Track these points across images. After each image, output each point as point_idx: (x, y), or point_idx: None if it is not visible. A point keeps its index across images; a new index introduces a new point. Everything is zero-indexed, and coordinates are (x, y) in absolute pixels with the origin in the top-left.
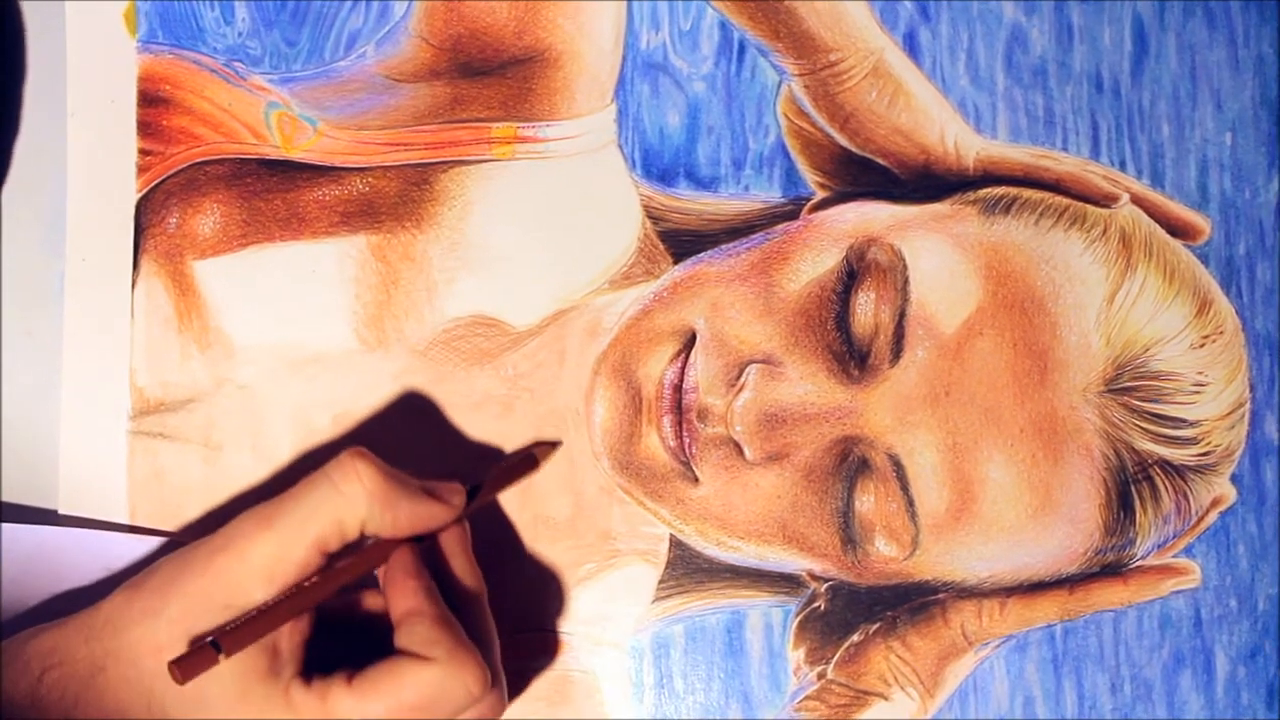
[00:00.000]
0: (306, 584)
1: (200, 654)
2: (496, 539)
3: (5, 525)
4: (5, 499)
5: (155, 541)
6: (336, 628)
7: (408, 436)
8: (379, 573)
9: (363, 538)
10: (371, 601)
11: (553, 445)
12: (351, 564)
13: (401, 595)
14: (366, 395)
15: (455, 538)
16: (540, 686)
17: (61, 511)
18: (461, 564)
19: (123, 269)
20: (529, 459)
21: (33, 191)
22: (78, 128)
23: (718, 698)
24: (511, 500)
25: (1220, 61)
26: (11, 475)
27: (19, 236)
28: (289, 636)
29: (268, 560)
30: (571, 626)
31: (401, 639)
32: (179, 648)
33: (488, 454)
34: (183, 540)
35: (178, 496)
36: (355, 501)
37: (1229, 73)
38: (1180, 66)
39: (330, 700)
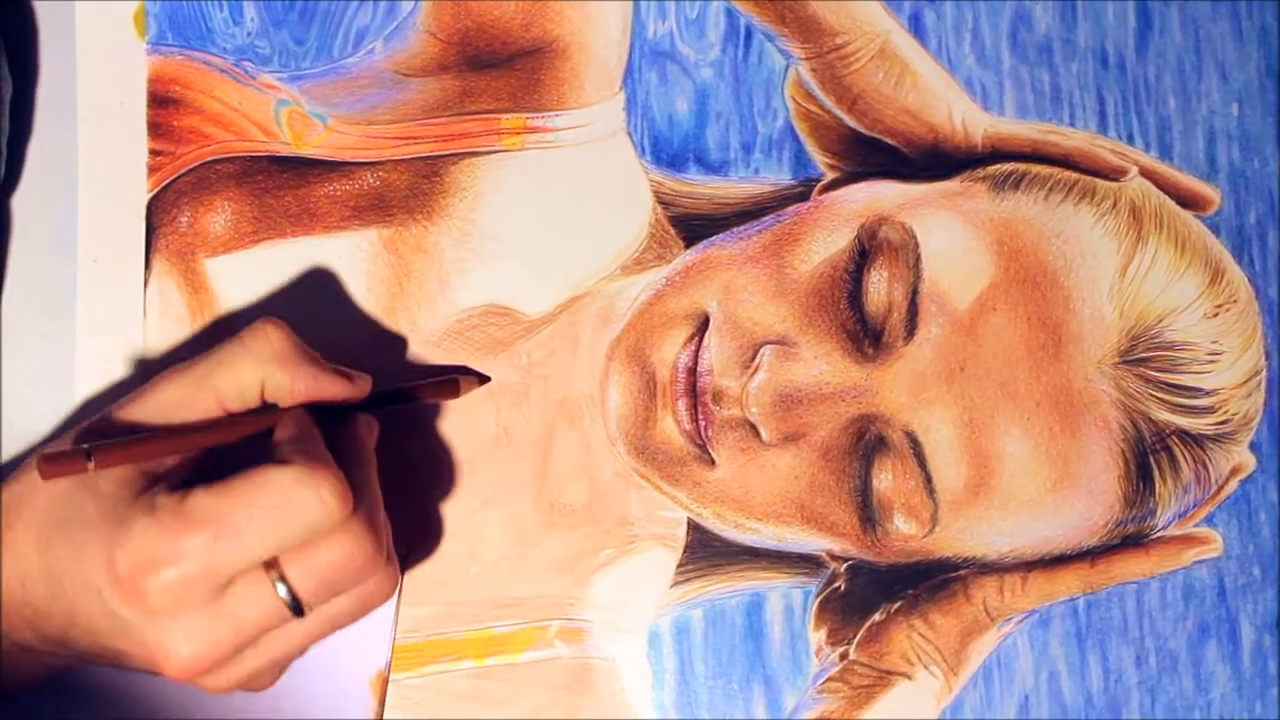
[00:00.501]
0: (194, 426)
1: (70, 456)
2: (512, 528)
3: None
4: None
5: None
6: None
7: (422, 426)
8: None
9: (265, 405)
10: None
11: (480, 380)
12: (243, 419)
13: (282, 431)
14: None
15: (360, 424)
16: (560, 674)
17: None
18: (360, 443)
19: (135, 269)
20: (451, 384)
21: (44, 194)
22: (88, 130)
23: (739, 681)
24: (528, 488)
25: (1224, 33)
26: None
27: (31, 239)
28: (171, 469)
29: (168, 405)
30: (591, 613)
31: (272, 456)
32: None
33: (497, 441)
34: None
35: None
36: (259, 359)
37: (1233, 44)
38: (1185, 39)
39: (188, 500)
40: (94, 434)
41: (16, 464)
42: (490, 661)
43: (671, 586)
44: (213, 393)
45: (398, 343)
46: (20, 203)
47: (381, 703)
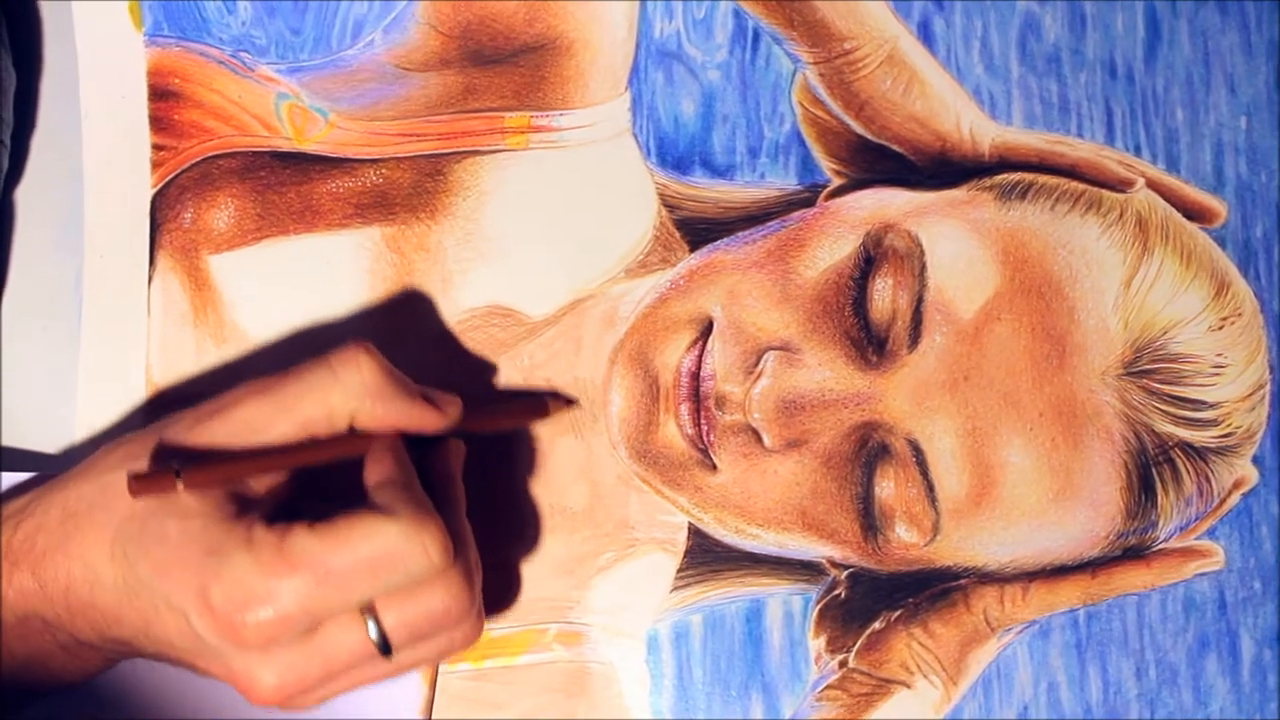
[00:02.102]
0: (286, 447)
1: (159, 476)
2: (514, 529)
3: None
4: None
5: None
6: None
7: None
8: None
9: (352, 431)
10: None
11: (568, 402)
12: (336, 442)
13: (376, 465)
14: None
15: (449, 452)
16: (558, 678)
17: None
18: (449, 474)
19: (139, 265)
20: (540, 404)
21: (49, 189)
22: (92, 125)
23: (737, 687)
24: (529, 490)
25: (1233, 46)
26: (29, 470)
27: (36, 234)
28: (262, 493)
29: (252, 428)
30: (590, 617)
31: (371, 498)
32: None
33: (501, 444)
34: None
35: None
36: (349, 391)
37: (1242, 58)
38: (1193, 52)
39: (289, 540)
40: (170, 451)
41: (60, 459)
42: (487, 664)
43: (671, 591)
44: (299, 419)
45: (400, 341)
46: (25, 197)
47: (433, 688)
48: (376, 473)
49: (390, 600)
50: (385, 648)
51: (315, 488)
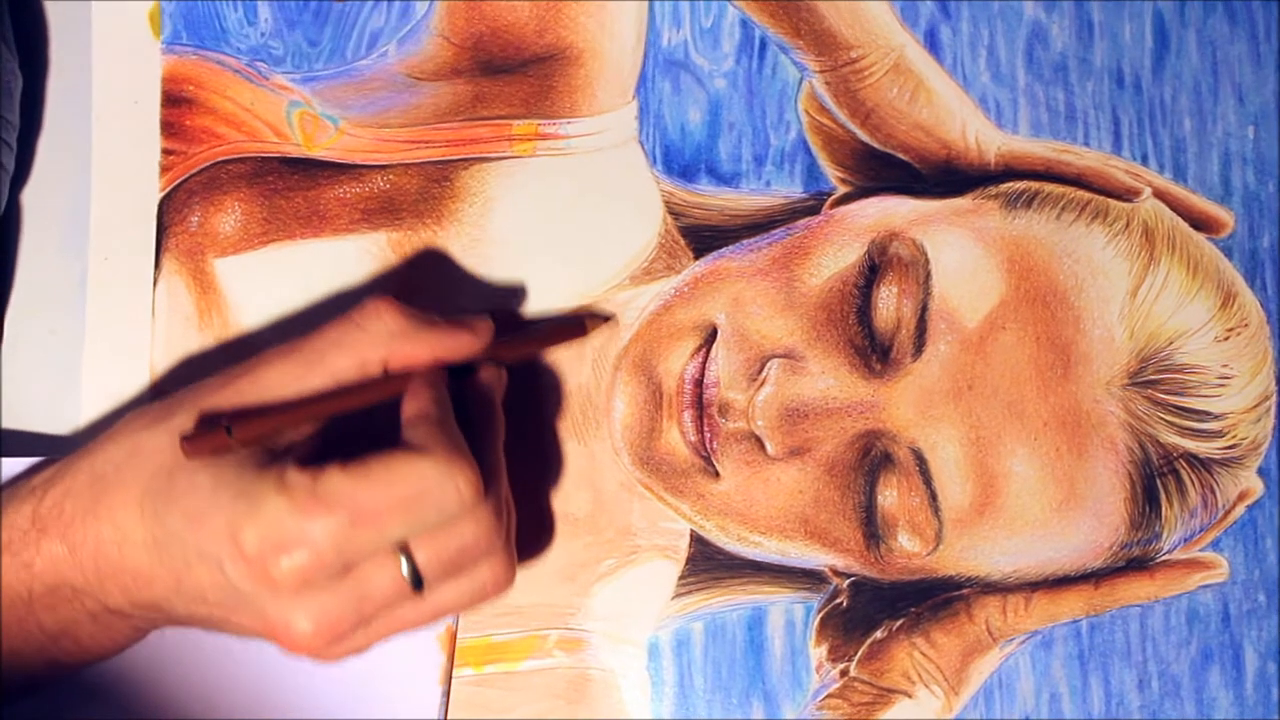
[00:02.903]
0: (327, 395)
1: (211, 433)
2: (516, 535)
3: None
4: None
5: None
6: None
7: None
8: None
9: (387, 375)
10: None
11: (605, 318)
12: (375, 385)
13: (412, 400)
14: None
15: (487, 376)
16: (559, 684)
17: None
18: (486, 401)
19: (144, 267)
20: (577, 323)
21: (56, 190)
22: (102, 128)
23: (738, 696)
24: (531, 495)
25: (1241, 56)
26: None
27: (42, 235)
28: (293, 440)
29: (283, 386)
30: (591, 624)
31: (404, 435)
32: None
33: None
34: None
35: None
36: (376, 338)
37: (1251, 67)
38: (1201, 61)
39: (322, 480)
40: (209, 416)
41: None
42: (489, 669)
43: (673, 598)
44: (328, 372)
45: None
46: (31, 199)
47: (450, 658)
48: (411, 408)
49: (422, 538)
50: (418, 582)
51: (345, 440)
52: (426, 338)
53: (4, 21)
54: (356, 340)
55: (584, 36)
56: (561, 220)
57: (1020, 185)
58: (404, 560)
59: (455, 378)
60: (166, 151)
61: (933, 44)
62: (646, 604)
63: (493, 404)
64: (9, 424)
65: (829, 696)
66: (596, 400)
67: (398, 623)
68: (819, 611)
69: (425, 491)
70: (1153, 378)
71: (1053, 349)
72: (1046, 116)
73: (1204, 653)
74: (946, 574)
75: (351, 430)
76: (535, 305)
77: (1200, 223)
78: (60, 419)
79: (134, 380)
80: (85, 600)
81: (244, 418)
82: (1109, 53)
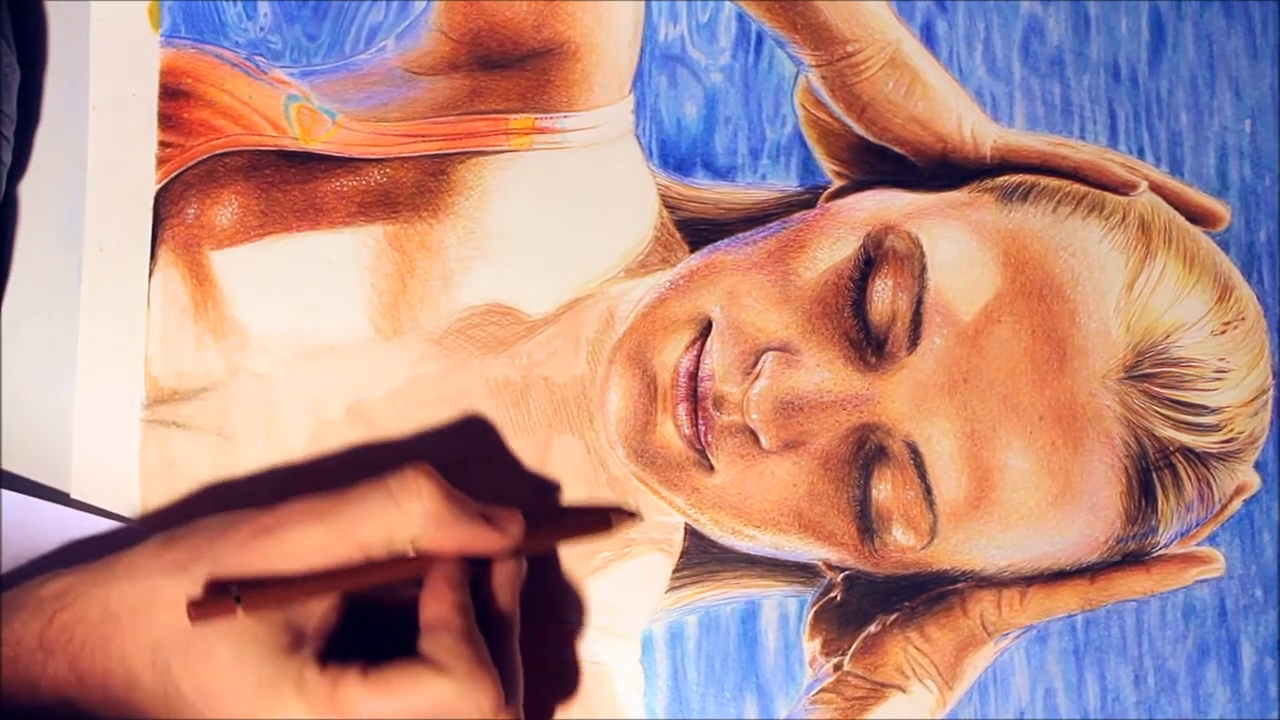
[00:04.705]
0: (343, 571)
1: (219, 601)
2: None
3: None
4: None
5: (106, 524)
6: (365, 628)
7: (422, 425)
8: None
9: (412, 554)
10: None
11: (630, 515)
12: (394, 565)
13: (435, 602)
14: (381, 384)
15: (507, 571)
16: (551, 678)
17: (74, 497)
18: (505, 599)
19: (140, 259)
20: (603, 518)
21: (52, 182)
22: (99, 120)
23: (732, 689)
24: (524, 491)
25: (1238, 50)
26: (26, 461)
27: (38, 225)
28: (314, 621)
29: (309, 551)
30: (584, 617)
31: (425, 645)
32: None
33: (501, 444)
34: (143, 530)
35: (190, 484)
36: (410, 518)
37: (1247, 61)
38: (1198, 55)
39: (341, 688)
40: (222, 571)
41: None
42: None
43: (667, 592)
44: (357, 543)
45: (398, 336)
46: (28, 190)
47: None
48: (432, 610)
49: None
50: None
51: (369, 602)
52: (458, 530)
53: (2, 15)
54: (390, 516)
55: (581, 31)
56: (558, 213)
57: (1016, 179)
58: None
59: (474, 563)
60: (164, 144)
61: (929, 38)
62: (640, 597)
63: (512, 601)
64: (6, 414)
65: (823, 691)
66: (591, 393)
67: None
68: (813, 605)
69: (446, 711)
70: (1149, 371)
71: (1048, 342)
72: (1043, 110)
73: (1200, 648)
74: (941, 568)
75: (378, 594)
76: (532, 299)
77: (1197, 216)
78: (54, 409)
79: (129, 370)
80: (88, 715)
81: (256, 587)
82: (1105, 46)
